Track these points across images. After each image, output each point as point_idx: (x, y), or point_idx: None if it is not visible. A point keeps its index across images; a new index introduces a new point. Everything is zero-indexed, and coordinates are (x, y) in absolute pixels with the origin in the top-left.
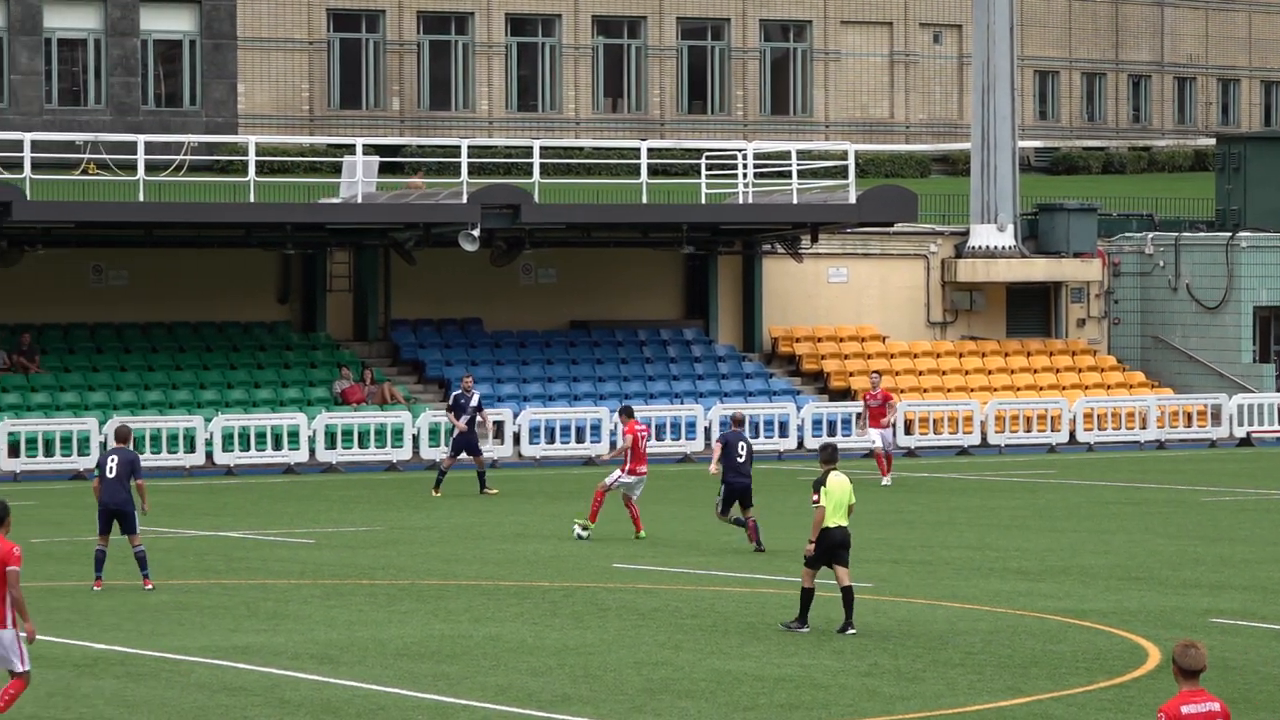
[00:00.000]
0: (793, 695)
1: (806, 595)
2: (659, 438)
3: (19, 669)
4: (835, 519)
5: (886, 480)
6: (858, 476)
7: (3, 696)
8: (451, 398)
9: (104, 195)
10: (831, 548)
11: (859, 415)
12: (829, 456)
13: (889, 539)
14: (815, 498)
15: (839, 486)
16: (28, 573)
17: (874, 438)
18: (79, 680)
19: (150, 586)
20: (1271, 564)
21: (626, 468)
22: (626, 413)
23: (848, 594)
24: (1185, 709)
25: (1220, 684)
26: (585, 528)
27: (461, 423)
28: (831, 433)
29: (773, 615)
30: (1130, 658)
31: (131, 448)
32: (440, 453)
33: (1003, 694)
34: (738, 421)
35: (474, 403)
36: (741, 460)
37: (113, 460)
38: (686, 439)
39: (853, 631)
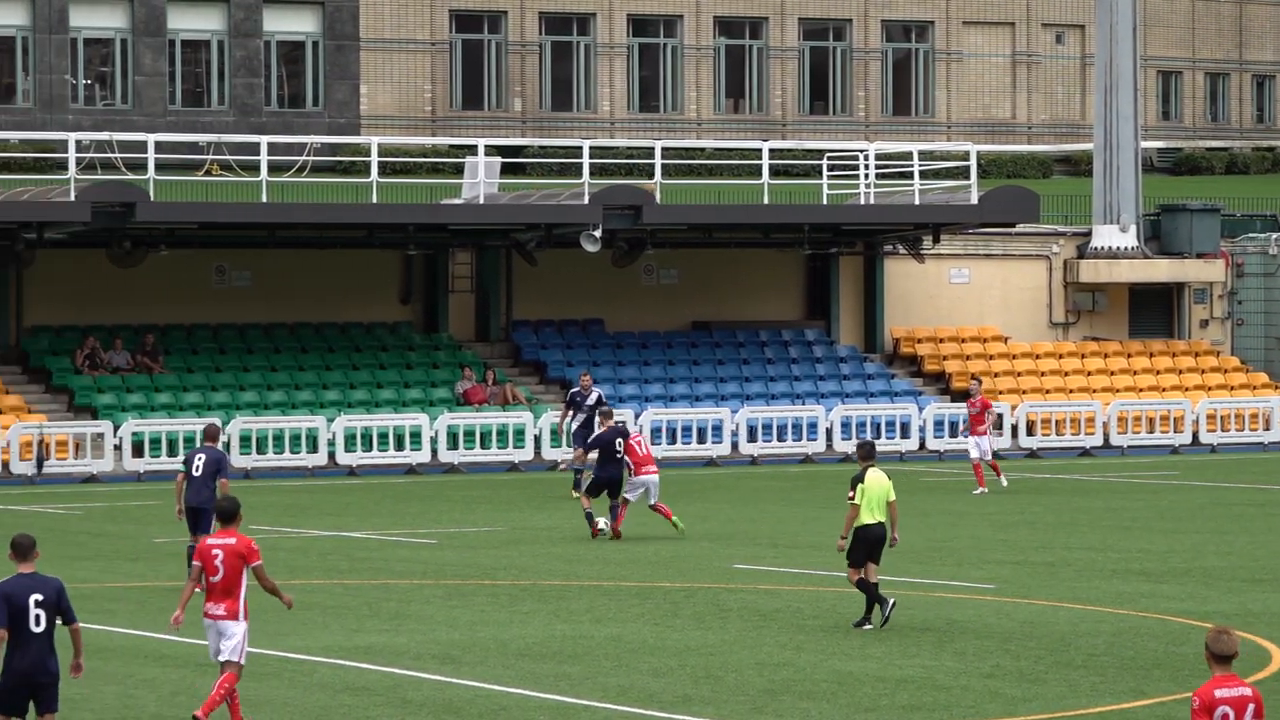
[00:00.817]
0: (914, 697)
1: (863, 588)
2: (780, 439)
3: (232, 659)
4: (872, 516)
5: (979, 491)
6: (949, 478)
7: (217, 687)
8: (569, 394)
9: (227, 196)
10: (869, 543)
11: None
12: (866, 454)
13: (1011, 540)
14: (851, 494)
15: (875, 484)
16: (151, 572)
17: (971, 446)
18: (202, 679)
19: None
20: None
21: (631, 475)
22: (608, 415)
23: (873, 590)
24: (1219, 693)
25: None
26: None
27: (576, 421)
28: (954, 434)
29: (895, 617)
30: (1253, 660)
31: (220, 448)
32: (563, 453)
33: (1126, 696)
34: (608, 416)
35: (590, 400)
36: (620, 455)
37: (199, 459)
38: (808, 440)
39: (868, 627)
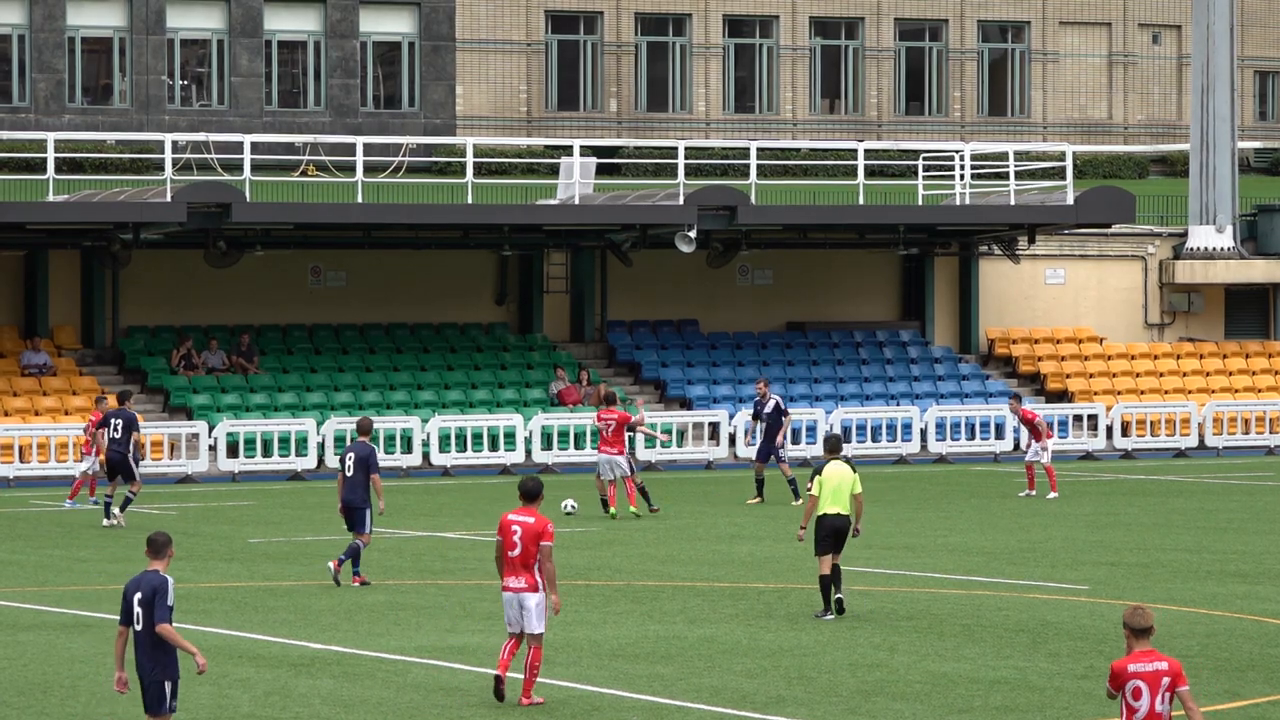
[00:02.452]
0: (1008, 698)
1: (823, 582)
2: (874, 439)
3: (535, 630)
4: (832, 506)
5: (1027, 493)
6: (1043, 479)
7: (529, 669)
8: (753, 404)
9: (322, 197)
10: (828, 533)
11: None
12: (830, 447)
13: (1105, 541)
14: (810, 485)
15: (834, 475)
16: (246, 572)
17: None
18: (296, 680)
19: (359, 583)
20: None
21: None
22: (610, 400)
23: (831, 580)
24: (1132, 667)
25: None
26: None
27: (758, 429)
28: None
29: (989, 618)
30: None
31: (369, 442)
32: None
33: (1220, 697)
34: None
35: (768, 408)
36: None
37: (350, 457)
38: (902, 440)
39: (829, 617)
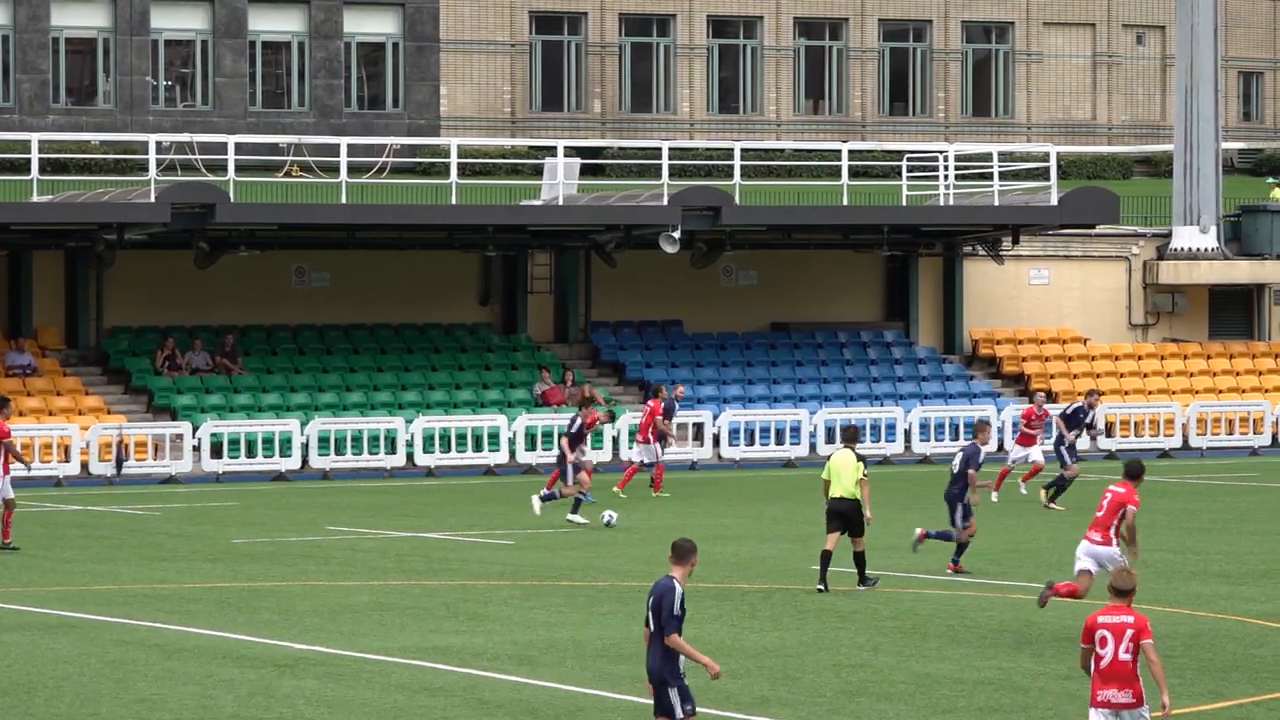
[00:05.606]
0: (992, 698)
1: (824, 558)
2: (858, 440)
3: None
4: (839, 491)
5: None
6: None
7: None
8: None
9: (307, 197)
10: (838, 516)
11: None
12: (846, 437)
13: None
14: (823, 473)
15: (839, 463)
16: (230, 573)
17: (1025, 452)
18: (280, 680)
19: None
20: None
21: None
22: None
23: (858, 559)
24: (1102, 619)
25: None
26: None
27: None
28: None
29: (973, 618)
30: None
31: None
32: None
33: (1204, 698)
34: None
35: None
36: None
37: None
38: (886, 441)
39: (863, 589)
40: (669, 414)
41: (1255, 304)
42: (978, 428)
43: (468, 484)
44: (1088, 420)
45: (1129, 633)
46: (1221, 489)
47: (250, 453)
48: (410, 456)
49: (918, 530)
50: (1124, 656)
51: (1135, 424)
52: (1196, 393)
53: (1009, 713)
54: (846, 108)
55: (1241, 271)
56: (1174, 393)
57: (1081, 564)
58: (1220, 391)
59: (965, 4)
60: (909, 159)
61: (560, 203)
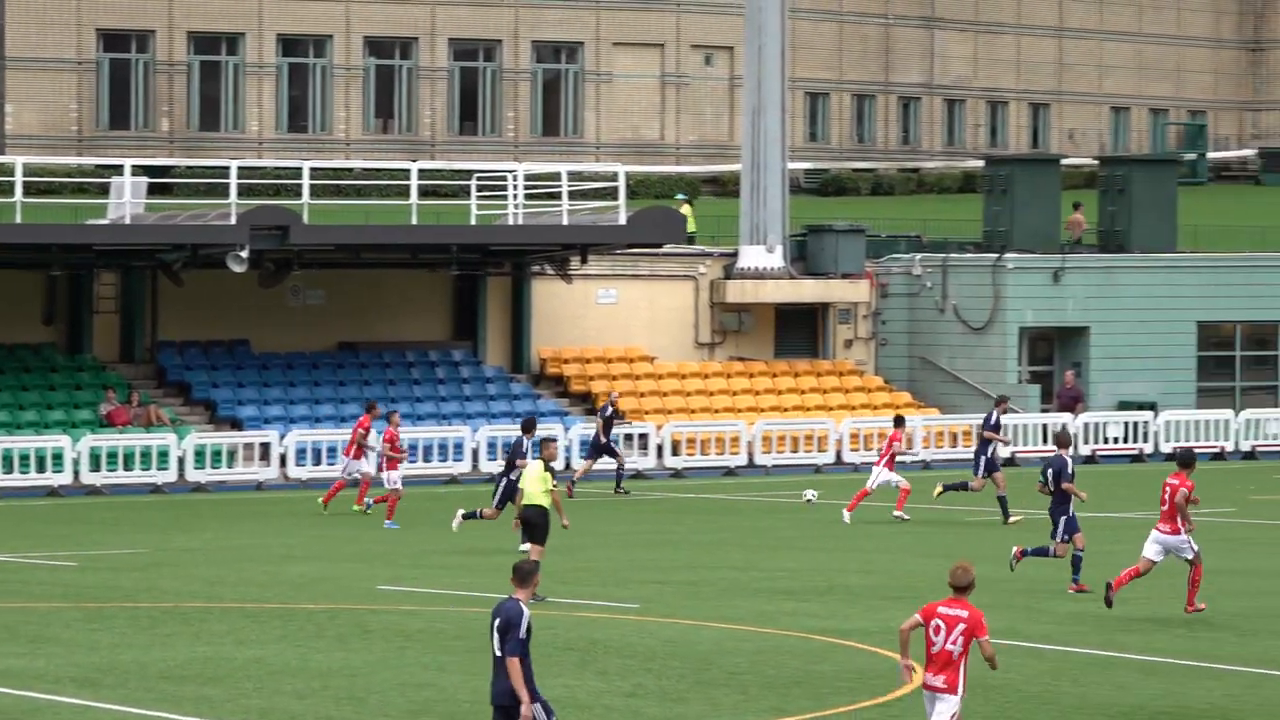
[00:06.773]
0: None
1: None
2: (426, 459)
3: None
4: (530, 499)
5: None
6: (595, 497)
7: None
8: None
9: None
10: (526, 522)
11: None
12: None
13: (655, 560)
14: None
15: (529, 472)
16: None
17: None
18: None
19: None
20: (1031, 584)
21: None
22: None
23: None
24: (940, 609)
25: (981, 702)
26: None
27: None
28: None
29: (538, 636)
30: (893, 677)
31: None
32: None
33: (766, 714)
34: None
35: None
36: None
37: None
38: (454, 460)
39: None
40: (609, 425)
41: (820, 322)
42: (1059, 438)
43: (31, 505)
44: (993, 423)
45: (961, 626)
46: (787, 506)
47: None
48: None
49: (1015, 548)
50: (950, 646)
51: (701, 442)
52: (762, 411)
53: None
54: (416, 127)
55: (807, 290)
56: (740, 411)
57: (1149, 551)
58: (785, 409)
59: (535, 24)
60: (478, 178)
61: (127, 221)
